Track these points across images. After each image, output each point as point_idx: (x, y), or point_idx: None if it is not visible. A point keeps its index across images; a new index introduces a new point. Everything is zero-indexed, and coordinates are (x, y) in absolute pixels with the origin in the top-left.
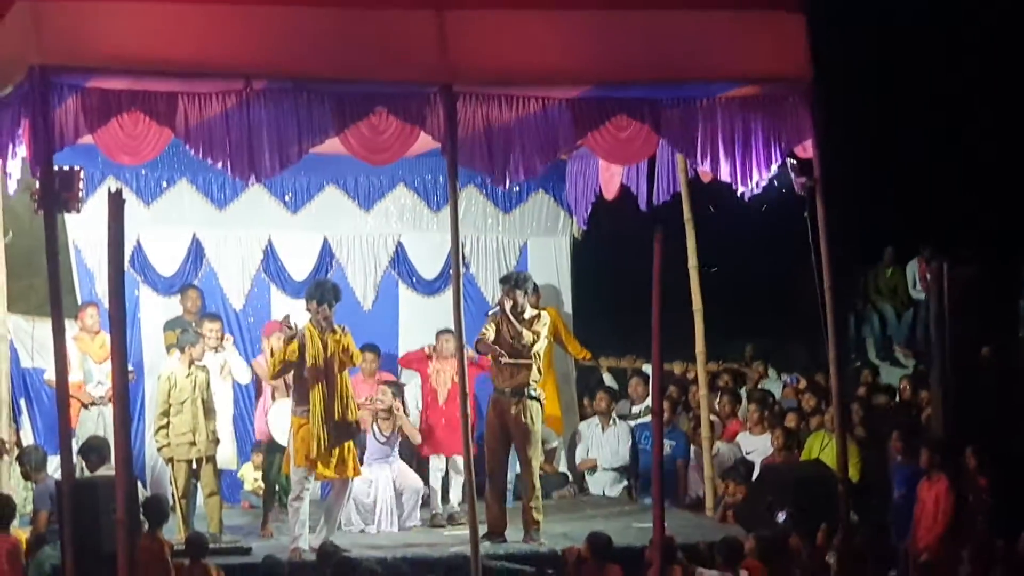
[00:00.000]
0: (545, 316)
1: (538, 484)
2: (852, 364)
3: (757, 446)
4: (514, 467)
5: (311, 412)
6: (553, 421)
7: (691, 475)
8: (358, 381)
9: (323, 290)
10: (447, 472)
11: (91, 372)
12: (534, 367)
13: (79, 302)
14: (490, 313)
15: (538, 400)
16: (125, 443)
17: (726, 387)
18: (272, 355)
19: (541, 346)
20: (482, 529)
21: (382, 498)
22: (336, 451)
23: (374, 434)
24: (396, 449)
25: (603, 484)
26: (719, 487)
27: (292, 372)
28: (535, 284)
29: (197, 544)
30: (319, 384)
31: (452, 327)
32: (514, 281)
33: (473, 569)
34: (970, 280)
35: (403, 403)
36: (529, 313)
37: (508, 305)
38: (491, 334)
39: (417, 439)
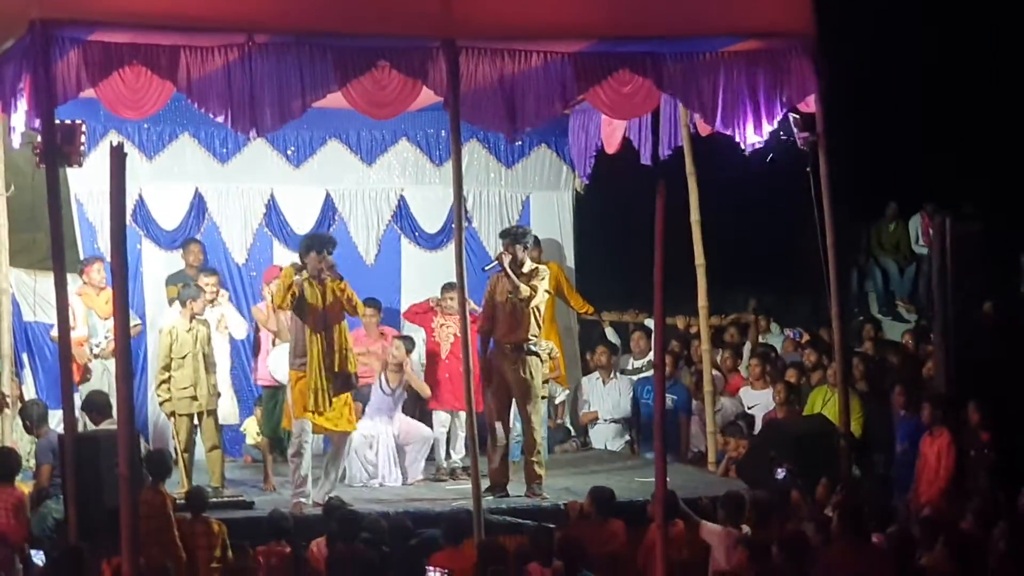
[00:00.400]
0: (544, 271)
1: (539, 439)
2: (855, 319)
3: (759, 401)
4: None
5: (308, 364)
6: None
7: (693, 429)
8: (360, 336)
9: (320, 240)
10: (450, 427)
11: (96, 327)
12: (532, 322)
13: (81, 256)
14: (487, 268)
15: (538, 355)
16: (127, 397)
17: (731, 341)
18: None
19: (538, 300)
20: (484, 483)
21: (384, 453)
22: (334, 403)
23: (380, 384)
24: (400, 405)
25: (605, 438)
26: (720, 442)
27: (292, 323)
28: (536, 238)
29: (197, 498)
30: (317, 335)
31: (455, 281)
32: (513, 235)
33: (475, 523)
34: (973, 235)
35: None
36: (528, 267)
37: (507, 260)
38: (489, 297)
39: (427, 392)
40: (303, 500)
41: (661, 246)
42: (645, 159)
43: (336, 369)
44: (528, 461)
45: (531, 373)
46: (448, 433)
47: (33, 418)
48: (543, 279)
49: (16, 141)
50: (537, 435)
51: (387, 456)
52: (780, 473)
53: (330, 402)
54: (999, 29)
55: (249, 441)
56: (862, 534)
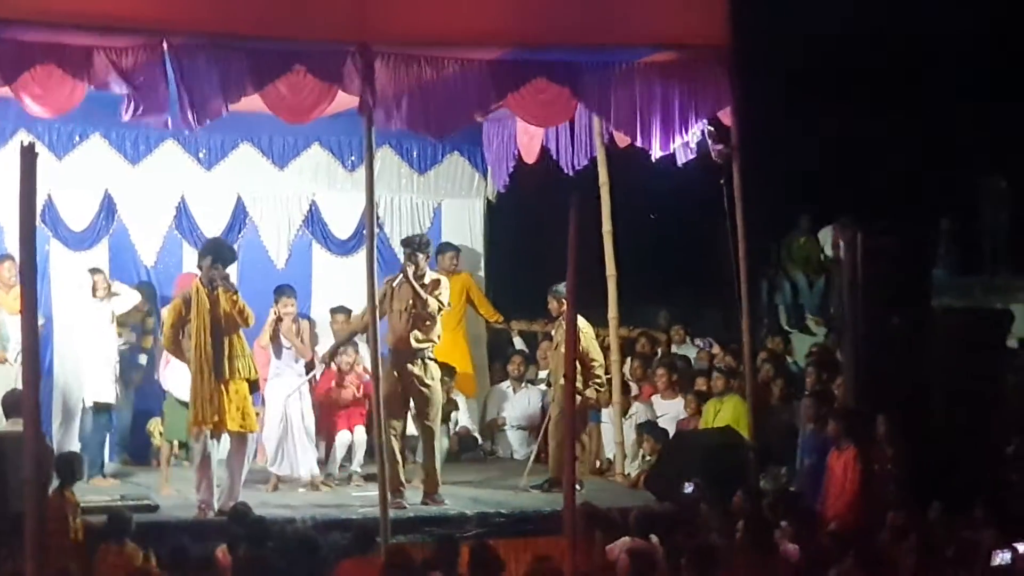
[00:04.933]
0: (445, 281)
1: (437, 446)
2: (763, 331)
3: (668, 410)
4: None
5: (200, 373)
6: (465, 382)
7: (602, 440)
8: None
9: (221, 247)
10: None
11: (4, 323)
12: (433, 330)
13: None
14: (386, 280)
15: (435, 362)
16: (33, 398)
17: (643, 352)
18: None
19: (438, 310)
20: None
21: (298, 436)
22: (232, 402)
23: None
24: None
25: (512, 446)
26: (643, 444)
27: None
28: (455, 246)
29: (119, 522)
30: (206, 343)
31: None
32: (416, 244)
33: (382, 531)
34: (883, 249)
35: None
36: (429, 277)
37: (411, 270)
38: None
39: (307, 355)
40: (209, 506)
41: (574, 262)
42: (567, 168)
43: (236, 377)
44: (429, 469)
45: (431, 378)
46: (350, 445)
47: None
48: (446, 290)
49: None
50: (438, 443)
51: (300, 441)
52: (688, 487)
53: (226, 403)
54: (923, 39)
55: (154, 442)
56: (769, 546)
